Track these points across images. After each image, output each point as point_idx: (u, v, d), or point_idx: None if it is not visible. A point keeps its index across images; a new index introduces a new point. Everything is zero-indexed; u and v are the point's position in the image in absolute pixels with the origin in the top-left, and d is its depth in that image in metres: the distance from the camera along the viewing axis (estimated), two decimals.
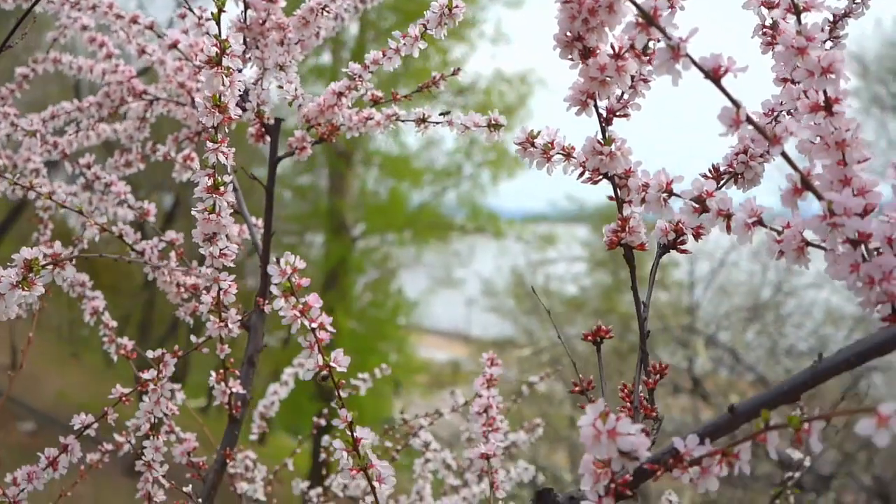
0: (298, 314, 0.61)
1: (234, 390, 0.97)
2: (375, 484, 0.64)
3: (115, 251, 1.13)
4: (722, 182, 0.68)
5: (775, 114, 0.69)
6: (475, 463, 0.90)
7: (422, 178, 11.24)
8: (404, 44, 0.88)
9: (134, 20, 1.09)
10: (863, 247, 0.52)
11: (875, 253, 0.51)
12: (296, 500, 1.57)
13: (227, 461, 0.98)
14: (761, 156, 0.67)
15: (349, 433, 0.64)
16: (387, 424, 1.32)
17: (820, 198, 0.51)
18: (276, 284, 0.60)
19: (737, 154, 0.68)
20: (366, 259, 11.10)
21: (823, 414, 0.44)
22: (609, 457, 0.50)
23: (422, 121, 0.93)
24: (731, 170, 0.68)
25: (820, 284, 7.23)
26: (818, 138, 0.55)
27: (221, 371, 0.96)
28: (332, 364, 0.62)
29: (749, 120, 0.50)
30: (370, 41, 10.49)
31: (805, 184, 0.51)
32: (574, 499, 0.56)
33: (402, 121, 0.95)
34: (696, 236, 0.67)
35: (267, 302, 0.96)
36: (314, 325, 0.61)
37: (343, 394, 0.65)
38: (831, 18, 0.70)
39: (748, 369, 6.01)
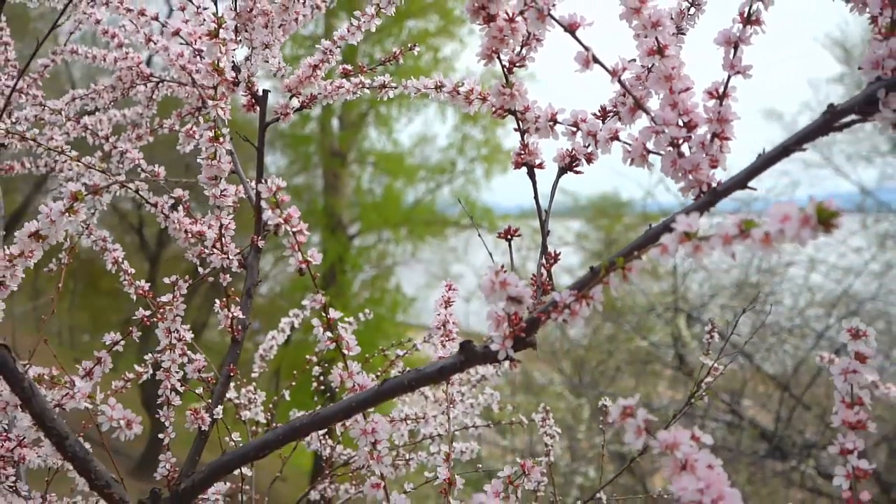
0: (283, 221, 0.81)
1: (235, 315, 1.17)
2: (345, 351, 0.84)
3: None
4: (608, 119, 0.88)
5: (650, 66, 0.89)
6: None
7: (416, 175, 11.44)
8: (364, 21, 1.08)
9: (142, 13, 1.29)
10: (685, 148, 0.72)
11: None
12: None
13: (231, 375, 1.18)
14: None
15: (324, 314, 0.84)
16: (367, 355, 1.53)
17: (648, 113, 0.71)
18: (264, 198, 0.80)
19: (618, 96, 0.88)
20: (362, 257, 11.29)
21: (637, 255, 0.64)
22: (501, 302, 0.70)
23: (382, 86, 1.13)
24: (614, 109, 0.88)
25: (799, 264, 7.45)
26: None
27: (224, 299, 1.16)
28: (308, 258, 0.83)
29: (595, 59, 0.70)
30: (361, 42, 10.71)
31: (637, 105, 0.71)
32: (487, 346, 0.76)
33: (368, 88, 1.15)
34: (588, 161, 0.87)
35: (261, 239, 1.16)
36: (295, 229, 0.82)
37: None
38: None
39: (732, 346, 6.21)
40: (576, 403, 6.68)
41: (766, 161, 0.66)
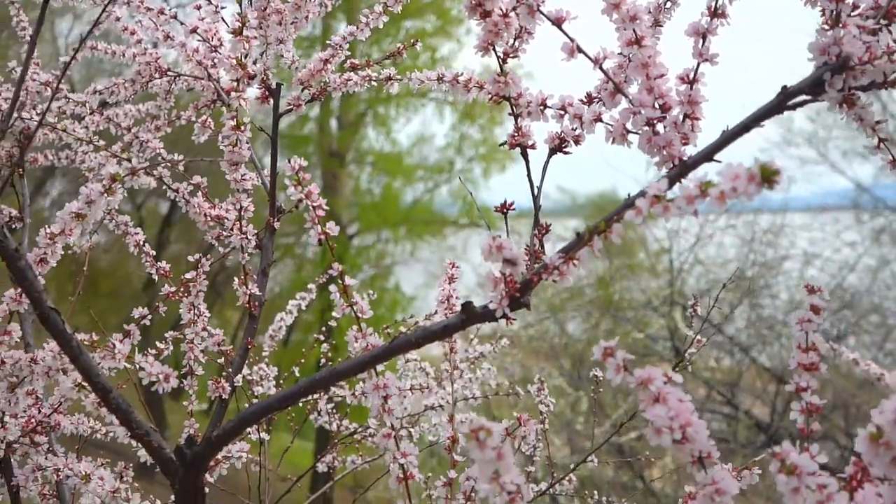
0: (304, 197, 0.90)
1: (252, 292, 1.26)
2: (359, 314, 0.93)
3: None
4: (593, 103, 0.98)
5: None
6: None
7: (414, 174, 11.55)
8: (372, 18, 1.18)
9: (161, 11, 1.38)
10: (660, 127, 0.82)
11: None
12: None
13: (249, 348, 1.28)
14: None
15: (341, 281, 0.93)
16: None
17: (627, 97, 0.80)
18: (287, 176, 0.90)
19: (602, 83, 0.97)
20: (361, 256, 11.38)
21: (617, 219, 0.73)
22: (497, 264, 0.79)
23: (388, 79, 1.23)
24: (598, 95, 0.97)
25: (795, 258, 7.56)
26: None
27: (242, 277, 1.26)
28: (327, 230, 0.92)
29: (579, 49, 0.79)
30: (360, 42, 10.80)
31: (617, 89, 0.81)
32: (486, 307, 0.85)
33: (374, 81, 1.25)
34: (576, 142, 0.97)
35: (276, 220, 1.26)
36: (314, 204, 0.91)
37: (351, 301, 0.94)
38: None
39: (728, 338, 6.33)
40: (574, 396, 6.78)
41: (728, 137, 0.75)
